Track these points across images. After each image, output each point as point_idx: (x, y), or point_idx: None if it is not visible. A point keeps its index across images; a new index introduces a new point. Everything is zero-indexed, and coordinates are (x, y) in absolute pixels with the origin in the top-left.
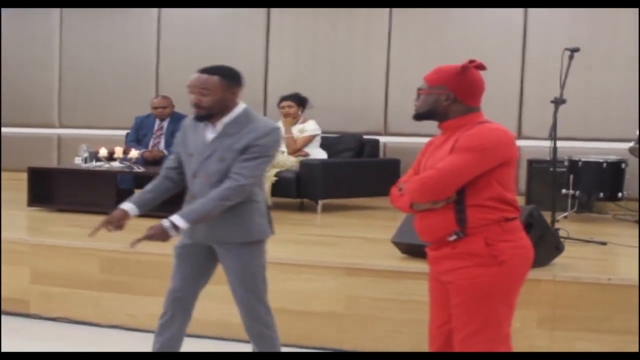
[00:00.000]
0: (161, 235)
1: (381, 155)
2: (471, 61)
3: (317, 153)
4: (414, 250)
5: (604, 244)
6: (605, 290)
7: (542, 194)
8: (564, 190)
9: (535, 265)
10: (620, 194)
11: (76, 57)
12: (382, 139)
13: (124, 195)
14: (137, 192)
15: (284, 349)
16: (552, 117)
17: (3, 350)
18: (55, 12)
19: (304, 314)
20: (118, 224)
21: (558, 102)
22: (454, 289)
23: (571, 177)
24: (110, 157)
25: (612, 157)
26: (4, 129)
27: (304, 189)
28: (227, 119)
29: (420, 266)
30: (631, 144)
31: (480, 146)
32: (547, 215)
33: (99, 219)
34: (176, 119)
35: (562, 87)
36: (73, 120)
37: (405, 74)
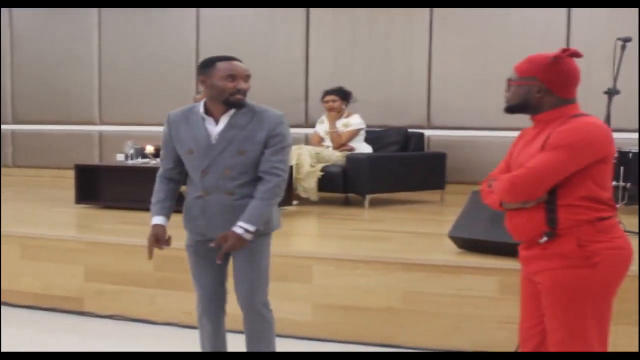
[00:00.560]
0: (241, 242)
1: (425, 149)
2: (565, 50)
3: (363, 147)
4: (471, 245)
5: None
6: None
7: None
8: (614, 183)
9: None
10: None
11: (115, 54)
12: (426, 133)
13: None
14: (156, 205)
15: (340, 346)
16: (606, 108)
17: (60, 348)
18: (94, 11)
19: (360, 310)
20: (166, 240)
21: (612, 93)
22: (544, 290)
23: (622, 169)
24: (157, 154)
25: None
26: (45, 127)
27: (351, 184)
28: (232, 110)
29: (479, 261)
30: None
31: (573, 144)
32: None
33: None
34: None
35: (616, 78)
36: (114, 117)
37: (447, 66)
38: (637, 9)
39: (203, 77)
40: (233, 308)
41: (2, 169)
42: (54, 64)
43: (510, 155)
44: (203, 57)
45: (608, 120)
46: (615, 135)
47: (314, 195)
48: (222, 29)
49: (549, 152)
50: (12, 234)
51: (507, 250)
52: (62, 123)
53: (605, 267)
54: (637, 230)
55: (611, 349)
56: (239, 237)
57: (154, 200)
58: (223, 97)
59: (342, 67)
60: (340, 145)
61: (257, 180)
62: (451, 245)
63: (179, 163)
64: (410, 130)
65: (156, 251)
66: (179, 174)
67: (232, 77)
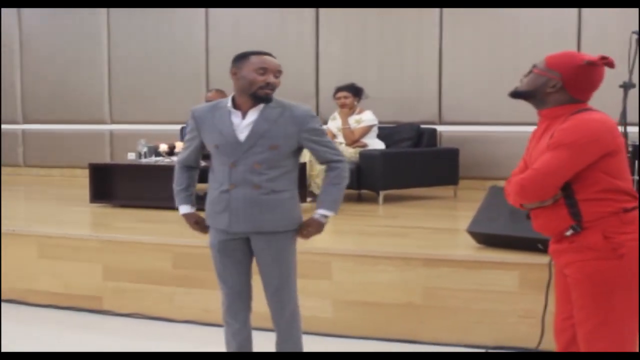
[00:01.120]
0: (320, 228)
1: (438, 144)
2: (602, 57)
3: (375, 143)
4: (490, 240)
5: None
6: None
7: None
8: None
9: None
10: None
11: (124, 53)
12: (438, 128)
13: None
14: (180, 193)
15: (360, 342)
16: (622, 102)
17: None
18: (102, 10)
19: (380, 306)
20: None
21: (627, 86)
22: (572, 283)
23: (636, 162)
24: (171, 152)
25: None
26: (55, 127)
27: (364, 180)
28: (261, 105)
29: (499, 256)
30: None
31: (575, 141)
32: None
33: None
34: None
35: (631, 71)
36: (124, 116)
37: (458, 62)
38: None
39: (235, 70)
40: (259, 305)
41: (14, 169)
42: (63, 63)
43: (527, 152)
44: (213, 55)
45: (624, 113)
46: (630, 129)
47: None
48: (231, 25)
49: (553, 151)
50: (29, 234)
51: (527, 244)
52: (72, 122)
53: (632, 258)
54: None
55: None
56: (319, 224)
57: (177, 188)
58: (252, 90)
59: (352, 64)
60: (352, 142)
61: (285, 174)
62: (469, 240)
63: (199, 153)
64: (422, 126)
65: (174, 248)
66: (197, 163)
67: (263, 70)
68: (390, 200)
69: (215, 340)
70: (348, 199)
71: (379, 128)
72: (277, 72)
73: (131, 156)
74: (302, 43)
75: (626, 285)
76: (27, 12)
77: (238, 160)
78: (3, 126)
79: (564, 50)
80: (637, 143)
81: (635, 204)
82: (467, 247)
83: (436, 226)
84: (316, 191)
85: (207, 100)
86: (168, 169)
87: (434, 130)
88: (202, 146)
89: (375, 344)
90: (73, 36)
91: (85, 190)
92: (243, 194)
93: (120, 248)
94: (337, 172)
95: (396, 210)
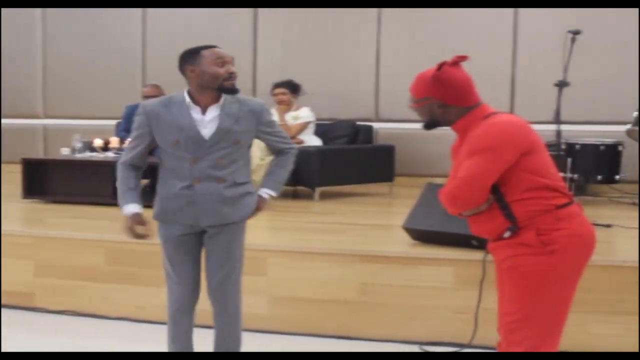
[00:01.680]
0: (264, 206)
1: (374, 141)
2: (440, 65)
3: (312, 140)
4: (425, 237)
5: (608, 226)
6: (620, 273)
7: None
8: (561, 174)
9: None
10: (617, 177)
11: (59, 47)
12: (374, 125)
13: None
14: (127, 192)
15: (295, 338)
16: (556, 100)
17: (9, 345)
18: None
19: (316, 302)
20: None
21: (562, 85)
22: (506, 276)
23: (569, 160)
24: (106, 147)
25: (609, 140)
26: None
27: (301, 177)
28: (221, 99)
29: (434, 252)
30: (628, 126)
31: (490, 146)
32: None
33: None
34: None
35: (566, 70)
36: (58, 110)
37: (396, 59)
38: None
39: (190, 67)
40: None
41: None
42: None
43: (453, 166)
44: (149, 50)
45: (558, 112)
46: (564, 127)
47: None
48: (168, 21)
49: (472, 157)
50: None
51: (461, 241)
52: (5, 117)
53: (564, 254)
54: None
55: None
56: (265, 202)
57: (123, 187)
58: (217, 83)
59: (290, 60)
60: (289, 138)
61: (243, 166)
62: (405, 237)
63: (147, 153)
64: (358, 123)
65: (107, 244)
66: (144, 162)
67: (221, 62)
68: (326, 197)
69: (149, 337)
70: (284, 195)
71: (316, 125)
72: (233, 61)
73: (65, 151)
74: (240, 39)
75: (555, 281)
76: None
77: (201, 156)
78: None
79: (416, 76)
80: (570, 141)
81: (567, 200)
82: (402, 244)
83: (372, 222)
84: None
85: (144, 96)
86: (103, 165)
87: (370, 128)
88: (151, 144)
89: (310, 341)
90: (6, 30)
91: (18, 186)
92: (208, 189)
93: (52, 244)
94: (287, 156)
95: (332, 206)
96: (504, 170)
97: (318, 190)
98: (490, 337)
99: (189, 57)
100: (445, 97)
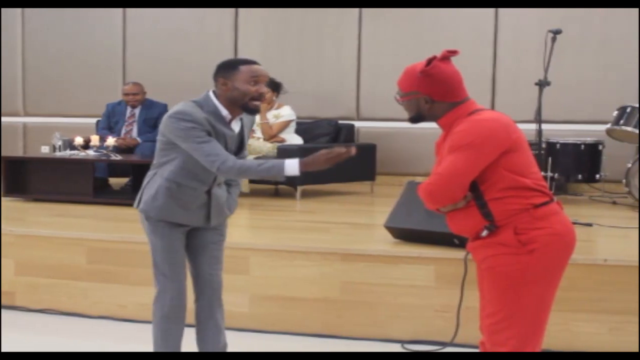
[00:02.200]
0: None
1: (355, 140)
2: (429, 60)
3: (293, 138)
4: (407, 235)
5: (589, 225)
6: (601, 271)
7: None
8: (542, 173)
9: None
10: (597, 176)
11: (39, 44)
12: (356, 124)
13: (99, 184)
14: (266, 163)
15: (277, 337)
16: (537, 99)
17: None
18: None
19: (298, 301)
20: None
21: (542, 84)
22: (486, 276)
23: (549, 159)
24: (86, 146)
25: (590, 139)
26: None
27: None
28: (242, 114)
29: (415, 251)
30: (609, 126)
31: (471, 143)
32: None
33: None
34: (148, 105)
35: (547, 69)
36: (38, 108)
37: (377, 58)
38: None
39: (223, 79)
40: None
41: None
42: None
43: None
44: (130, 48)
45: (539, 111)
46: (545, 126)
47: (245, 186)
48: (149, 19)
49: (452, 154)
50: None
51: (443, 239)
52: None
53: (542, 253)
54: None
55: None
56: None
57: (260, 161)
58: (243, 101)
59: (271, 59)
60: (270, 137)
61: None
62: (386, 235)
63: None
64: (340, 122)
65: (88, 243)
66: None
67: (255, 81)
68: (307, 196)
69: (131, 336)
70: (266, 194)
71: (297, 123)
72: (266, 80)
73: (45, 149)
74: (221, 38)
75: (535, 281)
76: None
77: None
78: None
79: (404, 69)
80: (551, 140)
81: (546, 199)
82: (384, 242)
83: (353, 221)
84: None
85: (124, 94)
86: (84, 163)
87: (352, 126)
88: None
89: (292, 339)
90: None
91: None
92: (219, 192)
93: (33, 243)
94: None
95: (314, 205)
96: (483, 167)
97: (300, 189)
98: (472, 336)
99: (225, 69)
100: (432, 92)
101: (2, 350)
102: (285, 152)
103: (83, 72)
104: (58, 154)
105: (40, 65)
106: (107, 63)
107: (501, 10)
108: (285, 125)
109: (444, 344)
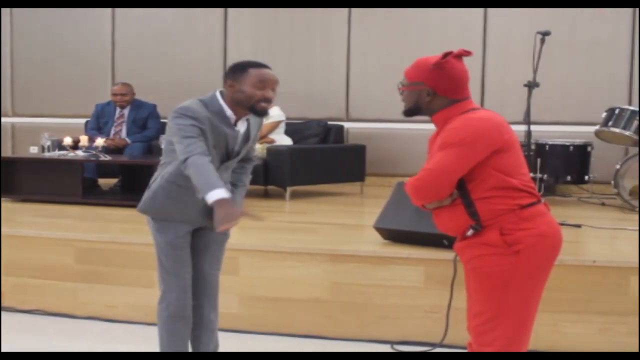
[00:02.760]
0: None
1: (345, 141)
2: (446, 54)
3: (282, 139)
4: (396, 236)
5: (578, 226)
6: (590, 272)
7: None
8: (531, 174)
9: None
10: (586, 177)
11: (28, 44)
12: (345, 125)
13: (88, 184)
14: (212, 178)
15: (266, 338)
16: (527, 100)
17: None
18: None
19: (287, 302)
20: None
21: (531, 85)
22: (472, 277)
23: (538, 160)
24: (75, 146)
25: (579, 141)
26: None
27: (272, 176)
28: (249, 115)
29: (405, 251)
30: (597, 127)
31: (462, 141)
32: None
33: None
34: (137, 106)
35: (535, 70)
36: (27, 108)
37: (366, 58)
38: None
39: (231, 82)
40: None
41: None
42: None
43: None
44: (119, 48)
45: (528, 112)
46: (534, 127)
47: None
48: (138, 19)
49: (442, 151)
50: None
51: (432, 240)
52: None
53: (528, 254)
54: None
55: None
56: None
57: (213, 173)
58: (249, 104)
59: (260, 59)
60: (260, 137)
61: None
62: (376, 236)
63: None
64: (329, 123)
65: (76, 243)
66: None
67: (262, 85)
68: (297, 197)
69: (119, 337)
70: (255, 194)
71: (287, 124)
72: (275, 85)
73: (33, 150)
74: (210, 38)
75: (521, 281)
76: None
77: (225, 163)
78: None
79: (414, 61)
80: (540, 141)
81: (533, 199)
82: (373, 243)
83: (343, 222)
84: None
85: (113, 94)
86: (72, 163)
87: (341, 127)
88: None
89: (281, 340)
90: None
91: None
92: None
93: (21, 243)
94: (251, 164)
95: (303, 206)
96: (472, 166)
97: (289, 189)
98: (461, 337)
99: (235, 71)
100: (437, 86)
101: None
102: (275, 152)
103: (72, 73)
104: (47, 154)
105: (29, 66)
106: (96, 63)
107: (490, 12)
108: (274, 126)
109: (433, 345)
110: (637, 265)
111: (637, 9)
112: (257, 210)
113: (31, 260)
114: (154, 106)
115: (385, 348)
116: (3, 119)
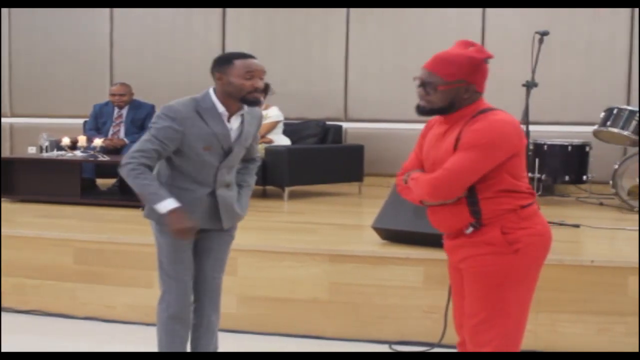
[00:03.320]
0: None
1: (343, 141)
2: (483, 51)
3: (281, 139)
4: (395, 236)
5: (577, 226)
6: (588, 272)
7: None
8: (529, 174)
9: None
10: (584, 177)
11: (27, 45)
12: (343, 125)
13: (87, 184)
14: (161, 188)
15: (265, 338)
16: (525, 100)
17: None
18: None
19: (285, 302)
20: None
21: (530, 85)
22: (467, 276)
23: (537, 160)
24: (73, 146)
25: (577, 141)
26: None
27: (270, 176)
28: (244, 107)
29: (403, 252)
30: (596, 127)
31: (487, 144)
32: None
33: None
34: (136, 106)
35: (534, 70)
36: (25, 109)
37: (365, 59)
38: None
39: (219, 74)
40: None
41: None
42: None
43: (420, 147)
44: (117, 48)
45: (526, 112)
46: (532, 127)
47: None
48: (136, 19)
49: (464, 152)
50: None
51: (431, 240)
52: None
53: (526, 253)
54: (557, 221)
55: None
56: None
57: (155, 185)
58: (240, 95)
59: (259, 59)
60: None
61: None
62: (374, 236)
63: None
64: (328, 123)
65: (75, 244)
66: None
67: (250, 75)
68: (295, 197)
69: (117, 337)
70: (253, 195)
71: (285, 124)
72: (263, 74)
73: (32, 150)
74: (208, 38)
75: (518, 281)
76: None
77: (223, 162)
78: None
79: (442, 58)
80: (538, 141)
81: (531, 200)
82: (371, 243)
83: (341, 222)
84: None
85: (111, 94)
86: (71, 164)
87: (340, 127)
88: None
89: (280, 340)
90: None
91: None
92: (227, 194)
93: (20, 243)
94: (255, 171)
95: (301, 206)
96: (491, 169)
97: (287, 190)
98: None
99: (220, 64)
100: (478, 83)
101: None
102: (273, 153)
103: (70, 73)
104: (45, 154)
105: (27, 66)
106: (94, 64)
107: (488, 12)
108: (272, 126)
109: (431, 345)
110: (636, 265)
111: (636, 9)
112: (256, 210)
113: (30, 260)
114: (153, 106)
115: (384, 348)
116: (2, 120)
